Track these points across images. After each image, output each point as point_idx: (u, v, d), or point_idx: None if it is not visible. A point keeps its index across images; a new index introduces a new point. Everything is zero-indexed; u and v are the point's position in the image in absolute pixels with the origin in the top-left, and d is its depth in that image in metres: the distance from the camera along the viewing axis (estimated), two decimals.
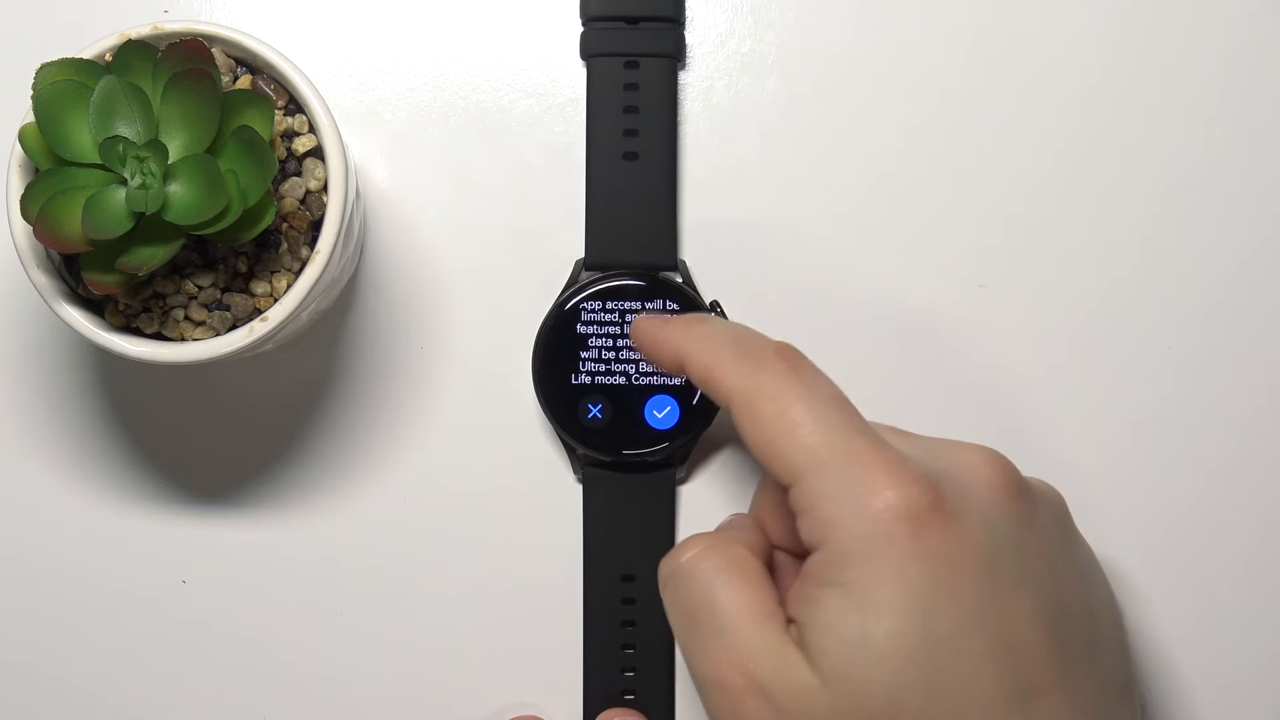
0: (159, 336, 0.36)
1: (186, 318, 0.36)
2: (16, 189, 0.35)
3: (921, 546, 0.29)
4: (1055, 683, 0.30)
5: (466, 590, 0.41)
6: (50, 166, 0.34)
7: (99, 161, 0.34)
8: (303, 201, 0.36)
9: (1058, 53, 0.42)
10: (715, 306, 0.40)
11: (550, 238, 0.41)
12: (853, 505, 0.30)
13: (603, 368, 0.39)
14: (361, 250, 0.41)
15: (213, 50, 0.35)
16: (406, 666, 0.41)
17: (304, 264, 0.36)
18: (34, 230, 0.33)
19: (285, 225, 0.36)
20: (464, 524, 0.41)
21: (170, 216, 0.33)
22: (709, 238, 0.41)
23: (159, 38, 0.36)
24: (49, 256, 0.36)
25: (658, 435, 0.39)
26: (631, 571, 0.40)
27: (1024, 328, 0.41)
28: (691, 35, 0.42)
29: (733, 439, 0.41)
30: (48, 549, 0.41)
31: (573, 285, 0.40)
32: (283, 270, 0.36)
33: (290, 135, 0.37)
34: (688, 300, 0.39)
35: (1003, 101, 0.42)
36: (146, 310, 0.36)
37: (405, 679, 0.41)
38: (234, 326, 0.36)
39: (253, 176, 0.34)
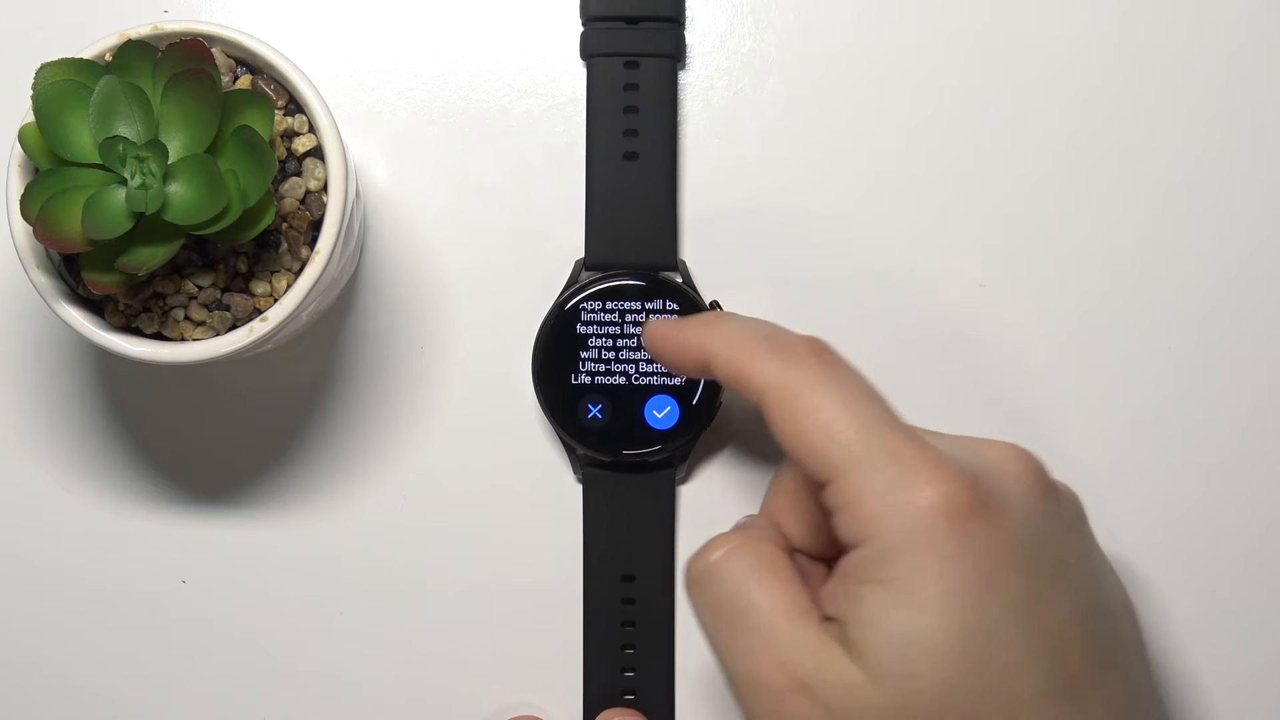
0: (159, 336, 0.36)
1: (186, 318, 0.36)
2: (16, 189, 0.35)
3: (964, 542, 0.29)
4: (1093, 680, 0.30)
5: (466, 590, 0.41)
6: (50, 166, 0.34)
7: (99, 161, 0.34)
8: (303, 201, 0.36)
9: (1058, 53, 0.42)
10: (715, 307, 0.40)
11: (550, 238, 0.41)
12: (894, 501, 0.29)
13: (603, 368, 0.39)
14: (361, 250, 0.41)
15: (213, 50, 0.35)
16: (406, 666, 0.41)
17: (304, 264, 0.36)
18: (34, 230, 0.33)
19: (285, 225, 0.36)
20: (464, 524, 0.41)
21: (170, 216, 0.33)
22: (709, 238, 0.41)
23: (159, 38, 0.36)
24: (49, 256, 0.36)
25: (658, 435, 0.39)
26: (631, 571, 0.40)
27: (1024, 328, 0.41)
28: (691, 35, 0.42)
29: (733, 439, 0.41)
30: (48, 549, 0.41)
31: (572, 285, 0.40)
32: (283, 270, 0.36)
33: (290, 135, 0.37)
34: (688, 300, 0.39)
35: (1003, 101, 0.42)
36: (146, 310, 0.36)
37: (405, 679, 0.41)
38: (234, 326, 0.36)
39: (253, 176, 0.34)
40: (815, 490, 0.31)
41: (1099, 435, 0.41)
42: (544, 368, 0.40)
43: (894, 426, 0.31)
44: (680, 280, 0.40)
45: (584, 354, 0.39)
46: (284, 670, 0.41)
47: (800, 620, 0.31)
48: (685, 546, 0.41)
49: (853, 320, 0.41)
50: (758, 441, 0.41)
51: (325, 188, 0.36)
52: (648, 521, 0.40)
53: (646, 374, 0.39)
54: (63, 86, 0.34)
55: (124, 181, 0.33)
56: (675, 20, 0.41)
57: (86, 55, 0.35)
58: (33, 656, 0.41)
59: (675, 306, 0.39)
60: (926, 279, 0.41)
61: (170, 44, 0.34)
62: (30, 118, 0.34)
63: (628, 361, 0.39)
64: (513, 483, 0.41)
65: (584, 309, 0.39)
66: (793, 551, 0.34)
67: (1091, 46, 0.42)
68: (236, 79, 0.37)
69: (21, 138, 0.34)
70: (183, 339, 0.36)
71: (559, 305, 0.40)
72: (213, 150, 0.34)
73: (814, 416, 0.31)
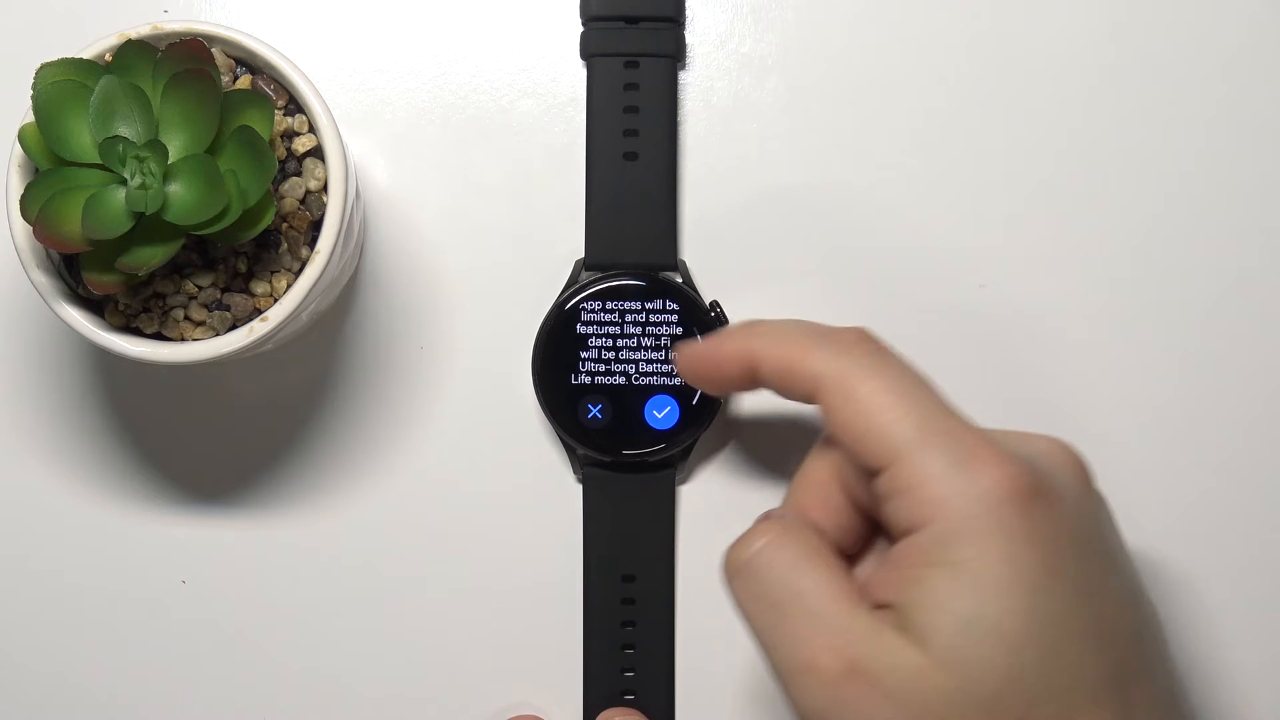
0: (159, 336, 0.36)
1: (186, 318, 0.36)
2: (16, 189, 0.35)
3: (1030, 526, 0.29)
4: (1141, 670, 0.30)
5: (466, 590, 0.41)
6: (50, 166, 0.34)
7: (99, 161, 0.34)
8: (303, 201, 0.36)
9: (1058, 53, 0.42)
10: (715, 306, 0.40)
11: (550, 238, 0.41)
12: (957, 484, 0.29)
13: (603, 368, 0.39)
14: (361, 250, 0.41)
15: (213, 50, 0.35)
16: (406, 666, 0.41)
17: (304, 264, 0.36)
18: (34, 230, 0.33)
19: (285, 225, 0.36)
20: (464, 524, 0.41)
21: (170, 216, 0.33)
22: (709, 238, 0.41)
23: (159, 38, 0.36)
24: (49, 256, 0.36)
25: (658, 435, 0.39)
26: (632, 571, 0.40)
27: (1024, 328, 0.41)
28: (692, 35, 0.42)
29: (733, 439, 0.41)
30: (47, 549, 0.41)
31: (573, 285, 0.40)
32: (283, 270, 0.36)
33: (290, 135, 0.37)
34: (687, 300, 0.39)
35: (1004, 101, 0.42)
36: (146, 310, 0.36)
37: (405, 679, 0.41)
38: (234, 326, 0.36)
39: (253, 176, 0.34)
40: (865, 479, 0.31)
41: (1099, 435, 0.41)
42: (544, 368, 0.40)
43: (950, 412, 0.31)
44: (680, 280, 0.40)
45: (584, 354, 0.39)
46: (284, 670, 0.41)
47: (852, 606, 0.30)
48: (685, 546, 0.41)
49: (853, 320, 0.41)
50: (758, 441, 0.41)
51: (325, 188, 0.36)
52: (648, 521, 0.40)
53: (646, 374, 0.39)
54: (63, 86, 0.34)
55: (124, 181, 0.33)
56: (675, 20, 0.41)
57: (86, 55, 0.35)
58: (33, 656, 0.41)
59: (675, 306, 0.39)
60: (926, 279, 0.41)
61: (170, 44, 0.34)
62: (30, 118, 0.34)
63: (628, 361, 0.39)
64: (513, 483, 0.41)
65: (584, 309, 0.39)
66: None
67: (1092, 46, 0.42)
68: (236, 79, 0.37)
69: (21, 138, 0.34)
70: (183, 339, 0.36)
71: (559, 305, 0.40)
72: (213, 150, 0.34)
73: (871, 401, 0.31)
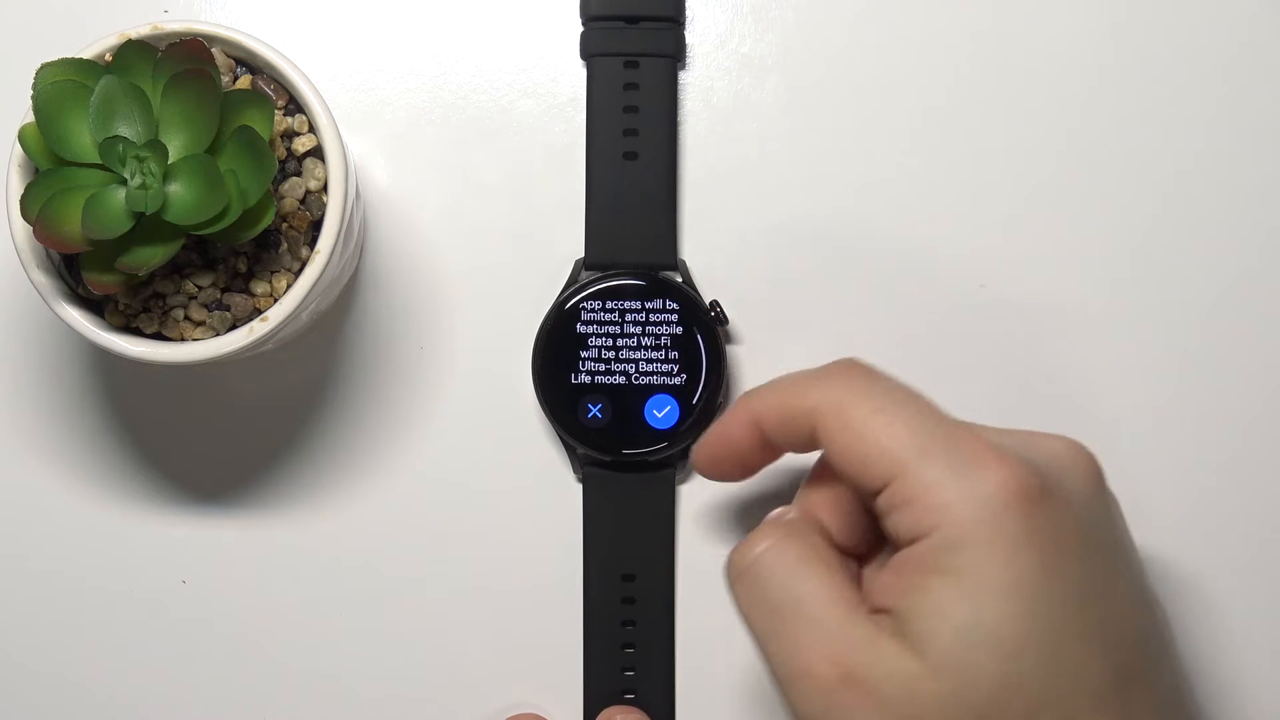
0: (159, 336, 0.36)
1: (186, 318, 0.36)
2: (16, 189, 0.35)
3: (1033, 529, 0.29)
4: (1144, 671, 0.30)
5: (466, 590, 0.41)
6: (50, 166, 0.34)
7: (99, 161, 0.34)
8: (303, 201, 0.36)
9: (1058, 53, 0.42)
10: (715, 306, 0.40)
11: (550, 238, 0.41)
12: (961, 490, 0.29)
13: (603, 367, 0.39)
14: (361, 250, 0.41)
15: (213, 50, 0.35)
16: (406, 666, 0.41)
17: (304, 264, 0.36)
18: (34, 230, 0.33)
19: (285, 225, 0.36)
20: (464, 524, 0.41)
21: (170, 216, 0.33)
22: (709, 237, 0.41)
23: (159, 38, 0.36)
24: (49, 256, 0.36)
25: (658, 435, 0.39)
26: (632, 571, 0.40)
27: (1023, 328, 0.41)
28: (691, 35, 0.42)
29: None
30: (47, 549, 0.41)
31: (572, 285, 0.40)
32: (283, 270, 0.36)
33: (290, 135, 0.37)
34: (687, 299, 0.39)
35: (1004, 101, 0.42)
36: (146, 310, 0.36)
37: (405, 679, 0.41)
38: (234, 326, 0.36)
39: (253, 176, 0.34)
40: (868, 499, 0.31)
41: (1099, 435, 0.41)
42: (544, 367, 0.40)
43: (947, 421, 0.31)
44: (680, 279, 0.40)
45: (584, 353, 0.39)
46: (284, 670, 0.41)
47: (850, 613, 0.30)
48: (685, 546, 0.41)
49: (853, 319, 0.41)
50: None
51: (325, 188, 0.36)
52: (648, 521, 0.40)
53: (646, 373, 0.39)
54: (63, 86, 0.34)
55: (124, 181, 0.33)
56: (675, 20, 0.41)
57: (86, 55, 0.35)
58: (33, 656, 0.41)
59: (675, 306, 0.39)
60: (926, 279, 0.41)
61: (170, 44, 0.34)
62: (30, 118, 0.34)
63: (628, 361, 0.39)
64: (513, 482, 0.41)
65: (584, 308, 0.39)
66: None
67: (1092, 46, 0.42)
68: (236, 79, 0.37)
69: (21, 138, 0.34)
70: (183, 339, 0.36)
71: (559, 305, 0.40)
72: (213, 150, 0.34)
73: (867, 423, 0.31)
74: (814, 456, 0.34)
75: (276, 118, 0.36)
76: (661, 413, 0.39)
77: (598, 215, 0.40)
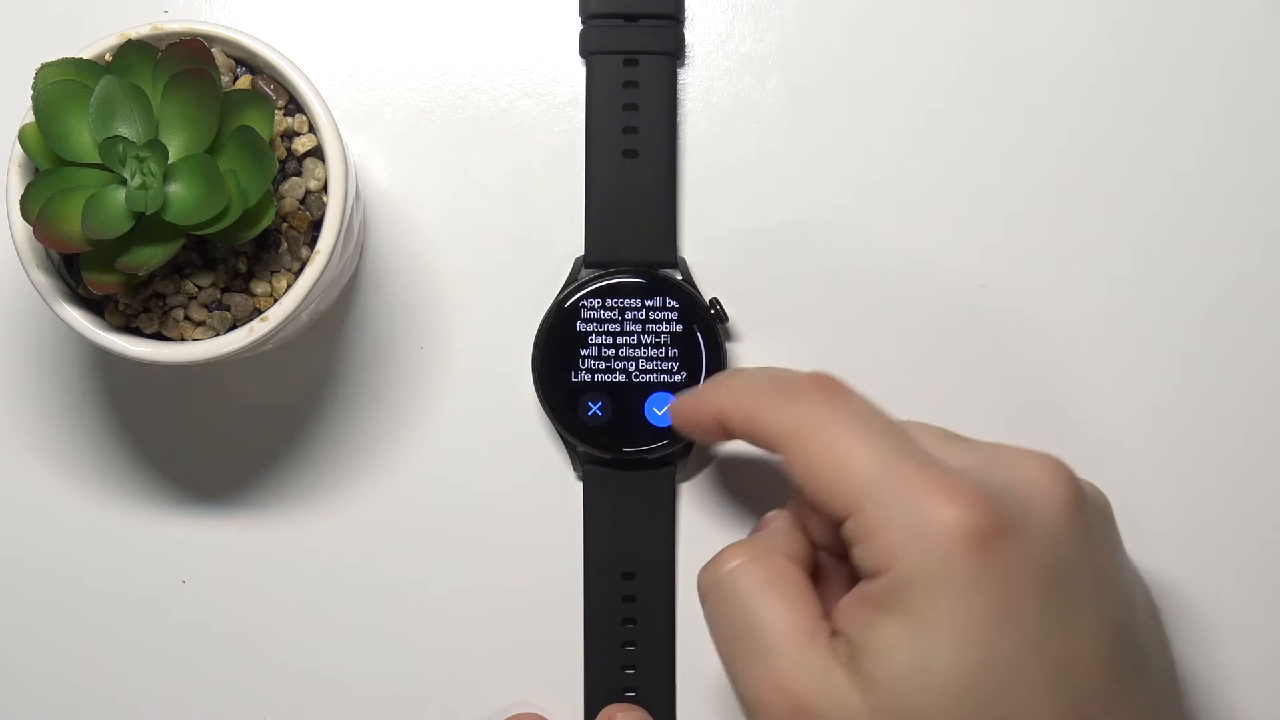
0: (159, 336, 0.36)
1: (186, 318, 0.36)
2: (16, 189, 0.35)
3: (983, 570, 0.29)
4: (1111, 700, 0.30)
5: (467, 589, 0.41)
6: (50, 166, 0.34)
7: (99, 161, 0.34)
8: (303, 201, 0.36)
9: (1058, 53, 0.42)
10: (715, 304, 0.40)
11: (550, 238, 0.41)
12: (911, 532, 0.29)
13: (603, 365, 0.39)
14: (361, 250, 0.41)
15: (213, 50, 0.35)
16: (406, 666, 0.41)
17: (304, 264, 0.36)
18: (34, 230, 0.33)
19: (285, 225, 0.36)
20: (464, 523, 0.41)
21: (170, 216, 0.33)
22: (709, 236, 0.41)
23: (159, 38, 0.36)
24: (49, 256, 0.36)
25: (658, 432, 0.39)
26: (632, 569, 0.40)
27: (1024, 328, 0.41)
28: (691, 35, 0.42)
29: None
30: (47, 549, 0.41)
31: (572, 283, 0.40)
32: (283, 270, 0.36)
33: (290, 135, 0.37)
34: (687, 297, 0.39)
35: (1004, 101, 0.42)
36: (146, 310, 0.36)
37: (405, 679, 0.41)
38: (234, 326, 0.36)
39: (253, 176, 0.34)
40: (835, 527, 0.31)
41: (1099, 436, 0.41)
42: (544, 365, 0.40)
43: (907, 454, 0.30)
44: (680, 277, 0.40)
45: (584, 351, 0.39)
46: (284, 670, 0.41)
47: (807, 643, 0.31)
48: (686, 543, 0.41)
49: (852, 319, 0.41)
50: None
51: (325, 188, 0.36)
52: (648, 518, 0.40)
53: (646, 371, 0.39)
54: (63, 86, 0.34)
55: (124, 181, 0.33)
56: (675, 18, 0.41)
57: (86, 55, 0.35)
58: (33, 656, 0.41)
59: (675, 303, 0.39)
60: (926, 279, 0.41)
61: (170, 44, 0.34)
62: (30, 118, 0.34)
63: (628, 359, 0.39)
64: (513, 481, 0.41)
65: (584, 306, 0.39)
66: (816, 550, 0.34)
67: (1092, 46, 0.42)
68: (236, 79, 0.37)
69: (21, 138, 0.34)
70: (183, 339, 0.36)
71: (559, 303, 0.40)
72: (213, 150, 0.34)
73: (826, 454, 0.31)
74: None
75: (276, 118, 0.36)
76: (662, 410, 0.39)
77: (597, 213, 0.40)
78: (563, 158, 0.41)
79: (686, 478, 0.41)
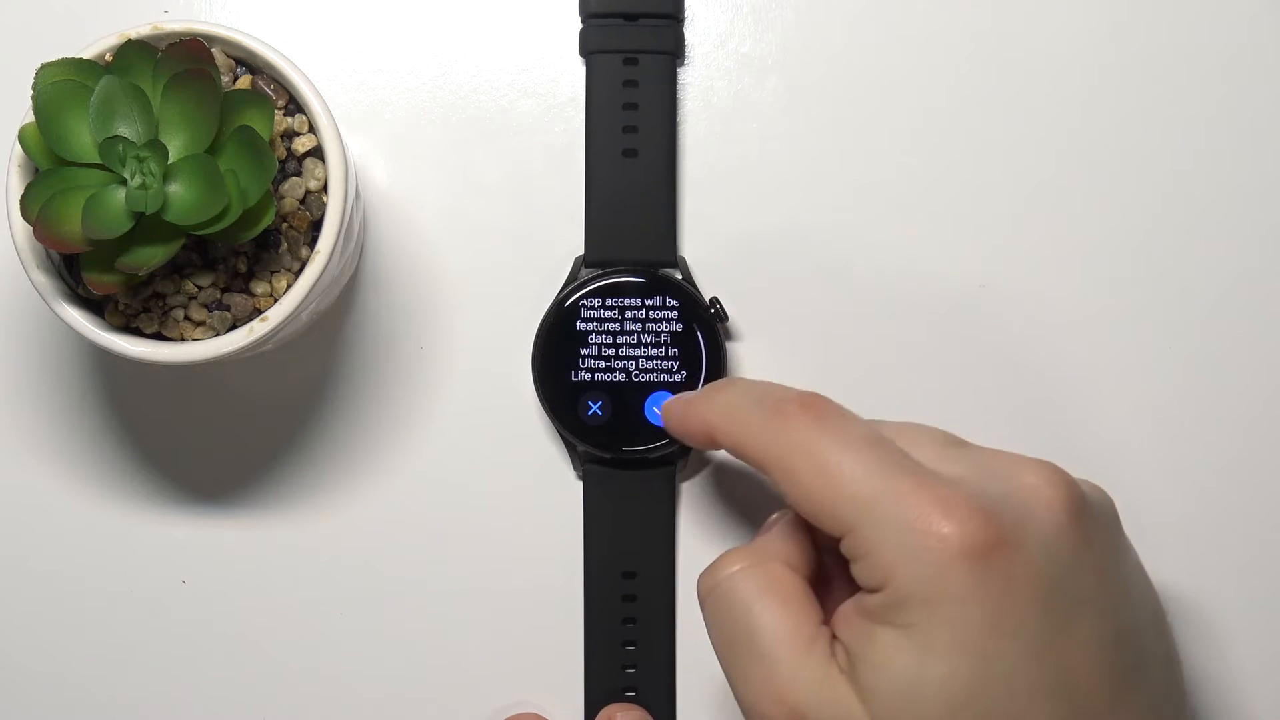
0: (159, 336, 0.36)
1: (186, 318, 0.36)
2: (16, 189, 0.35)
3: (981, 582, 0.29)
4: (1106, 710, 0.30)
5: (467, 589, 0.41)
6: (50, 166, 0.34)
7: (99, 161, 0.34)
8: (303, 201, 0.36)
9: (1058, 53, 0.42)
10: (715, 303, 0.40)
11: (550, 238, 0.41)
12: (907, 548, 0.29)
13: (603, 364, 0.39)
14: (361, 250, 0.41)
15: (213, 50, 0.35)
16: (406, 666, 0.41)
17: (304, 264, 0.36)
18: (34, 230, 0.33)
19: (285, 225, 0.36)
20: (464, 523, 0.41)
21: (170, 216, 0.33)
22: (709, 236, 0.41)
23: (159, 38, 0.36)
24: (49, 256, 0.36)
25: (658, 432, 0.39)
26: (632, 568, 0.40)
27: (1024, 328, 0.41)
28: (691, 34, 0.42)
29: None
30: (47, 549, 0.41)
31: (572, 282, 0.40)
32: (283, 270, 0.36)
33: (290, 135, 0.37)
34: (687, 296, 0.39)
35: (1004, 101, 0.42)
36: (146, 310, 0.36)
37: (405, 679, 0.41)
38: (234, 326, 0.36)
39: (253, 176, 0.34)
40: (835, 545, 0.31)
41: (1099, 436, 0.41)
42: (544, 365, 0.40)
43: (900, 468, 0.30)
44: (680, 277, 0.40)
45: (584, 351, 0.39)
46: (284, 670, 0.41)
47: (805, 651, 0.31)
48: (686, 543, 0.41)
49: (852, 319, 0.41)
50: None
51: (325, 188, 0.36)
52: (648, 518, 0.40)
53: (646, 370, 0.39)
54: (63, 86, 0.34)
55: (124, 181, 0.33)
56: (674, 17, 0.41)
57: (86, 55, 0.35)
58: (33, 656, 0.41)
59: (675, 303, 0.39)
60: (926, 278, 0.41)
61: (170, 44, 0.34)
62: (30, 118, 0.34)
63: (628, 358, 0.39)
64: (513, 480, 0.41)
65: (584, 306, 0.39)
66: (819, 553, 0.34)
67: (1092, 46, 0.42)
68: (236, 79, 0.37)
69: (21, 138, 0.34)
70: (183, 339, 0.36)
71: (559, 302, 0.40)
72: (213, 150, 0.34)
73: (818, 477, 0.31)
74: None
75: (276, 118, 0.36)
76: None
77: (597, 212, 0.40)
78: (563, 158, 0.41)
79: (686, 478, 0.41)
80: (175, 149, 0.34)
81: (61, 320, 0.35)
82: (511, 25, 0.42)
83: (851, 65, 0.42)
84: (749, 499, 0.41)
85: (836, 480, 0.30)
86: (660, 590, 0.40)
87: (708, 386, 0.36)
